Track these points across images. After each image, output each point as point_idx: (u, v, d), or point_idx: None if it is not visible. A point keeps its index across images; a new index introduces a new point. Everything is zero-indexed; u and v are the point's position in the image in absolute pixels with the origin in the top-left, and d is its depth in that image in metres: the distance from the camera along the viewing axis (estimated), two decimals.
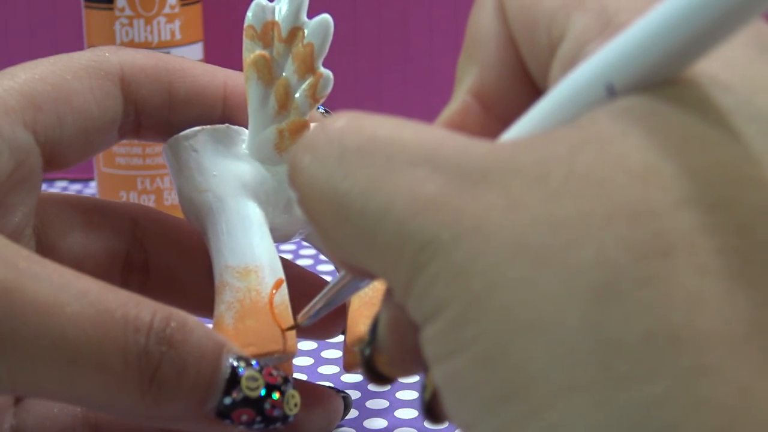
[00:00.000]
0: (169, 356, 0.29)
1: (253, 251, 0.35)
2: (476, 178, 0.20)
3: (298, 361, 0.45)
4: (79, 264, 0.36)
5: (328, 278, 0.44)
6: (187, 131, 0.36)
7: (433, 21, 0.68)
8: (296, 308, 0.35)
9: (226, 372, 0.30)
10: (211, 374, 0.30)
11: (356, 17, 0.68)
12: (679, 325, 0.18)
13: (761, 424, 0.17)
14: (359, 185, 0.21)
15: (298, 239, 0.39)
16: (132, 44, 0.57)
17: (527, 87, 0.25)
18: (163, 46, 0.57)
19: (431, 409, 0.25)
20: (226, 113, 0.37)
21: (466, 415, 0.20)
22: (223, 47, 0.66)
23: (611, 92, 0.20)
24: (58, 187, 0.68)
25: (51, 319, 0.28)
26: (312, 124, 0.37)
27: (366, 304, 0.35)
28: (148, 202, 0.58)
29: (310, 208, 0.23)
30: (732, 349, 0.18)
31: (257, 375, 0.31)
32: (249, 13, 0.36)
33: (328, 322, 0.39)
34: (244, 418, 0.30)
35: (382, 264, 0.21)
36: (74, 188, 0.68)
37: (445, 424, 0.26)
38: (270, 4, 0.36)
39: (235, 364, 0.30)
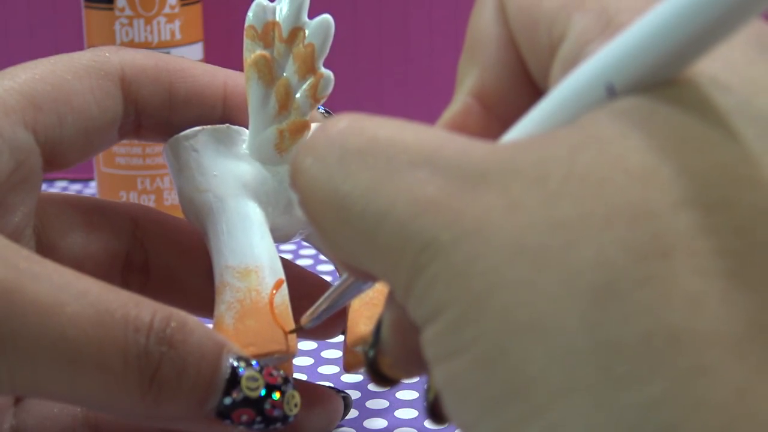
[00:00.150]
0: (169, 356, 0.29)
1: (254, 251, 0.35)
2: (476, 179, 0.20)
3: (298, 361, 0.45)
4: (79, 264, 0.36)
5: (328, 278, 0.44)
6: (188, 131, 0.36)
7: (433, 22, 0.68)
8: (296, 308, 0.35)
9: (226, 372, 0.30)
10: (211, 374, 0.30)
11: (357, 18, 0.68)
12: (678, 326, 0.18)
13: (760, 424, 0.17)
14: (360, 187, 0.21)
15: (298, 239, 0.39)
16: (132, 44, 0.57)
17: (528, 88, 0.25)
18: (163, 46, 0.57)
19: (435, 410, 0.26)
20: (226, 113, 0.37)
21: (466, 416, 0.20)
22: (223, 47, 0.66)
23: (611, 92, 0.20)
24: (58, 187, 0.68)
25: (51, 319, 0.28)
26: (312, 125, 0.37)
27: (366, 304, 0.35)
28: (148, 202, 0.58)
29: (312, 209, 0.23)
30: (730, 350, 0.18)
31: (257, 375, 0.31)
32: (250, 14, 0.36)
33: (328, 322, 0.39)
34: (244, 418, 0.30)
35: (382, 265, 0.21)
36: (74, 188, 0.68)
37: (448, 425, 0.26)
38: (271, 4, 0.36)
39: (235, 364, 0.30)
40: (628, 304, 0.18)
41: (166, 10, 0.57)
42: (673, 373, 0.18)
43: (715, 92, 0.20)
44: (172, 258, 0.39)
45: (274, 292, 0.34)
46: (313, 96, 0.36)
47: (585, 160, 0.20)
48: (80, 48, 0.40)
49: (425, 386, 0.26)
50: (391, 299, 0.25)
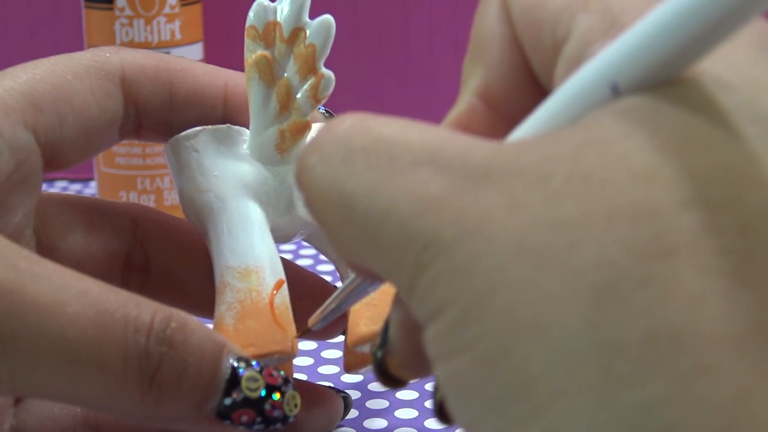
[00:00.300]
0: (170, 357, 0.29)
1: (254, 252, 0.35)
2: (479, 178, 0.20)
3: (298, 361, 0.45)
4: (79, 264, 0.36)
5: (328, 278, 0.44)
6: (189, 131, 0.36)
7: (434, 22, 0.68)
8: (297, 309, 0.35)
9: (227, 373, 0.30)
10: (212, 375, 0.30)
11: (357, 18, 0.68)
12: (680, 326, 0.18)
13: (761, 424, 0.17)
14: (363, 186, 0.21)
15: (298, 240, 0.39)
16: (132, 44, 0.57)
17: (533, 87, 0.25)
18: (163, 46, 0.57)
19: (442, 411, 0.26)
20: (226, 113, 0.37)
21: (468, 414, 0.20)
22: (223, 47, 0.66)
23: (616, 92, 0.20)
24: (58, 187, 0.68)
25: (51, 319, 0.28)
26: (314, 125, 0.37)
27: (367, 305, 0.35)
28: (148, 202, 0.58)
29: (316, 208, 0.23)
30: (732, 350, 0.18)
31: (257, 376, 0.31)
32: (251, 14, 0.36)
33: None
34: (245, 418, 0.30)
35: (386, 264, 0.21)
36: (74, 188, 0.68)
37: (455, 426, 0.26)
38: (272, 4, 0.36)
39: (236, 364, 0.30)
40: (630, 304, 0.18)
41: (166, 10, 0.57)
42: (674, 372, 0.18)
43: (719, 92, 0.20)
44: (172, 258, 0.39)
45: (275, 292, 0.34)
46: (314, 96, 0.36)
47: (588, 160, 0.20)
48: (80, 48, 0.40)
49: (433, 386, 0.26)
50: (398, 299, 0.25)
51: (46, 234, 0.36)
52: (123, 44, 0.57)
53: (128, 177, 0.58)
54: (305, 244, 0.57)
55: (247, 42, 0.36)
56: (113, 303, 0.29)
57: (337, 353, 0.46)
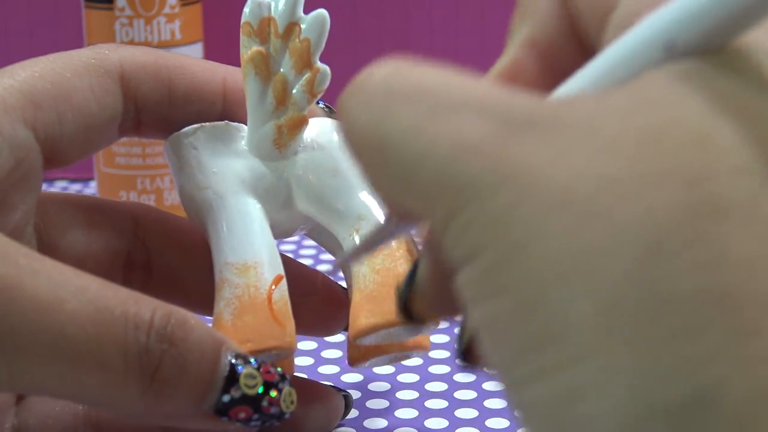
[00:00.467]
0: (171, 354, 0.29)
1: (253, 247, 0.35)
2: (523, 126, 0.20)
3: (297, 361, 0.45)
4: (80, 262, 0.36)
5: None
6: (187, 128, 0.36)
7: (434, 22, 0.68)
8: (297, 305, 0.35)
9: (225, 370, 0.30)
10: (211, 372, 0.30)
11: (357, 17, 0.68)
12: (733, 286, 0.18)
13: None
14: (401, 127, 0.21)
15: (299, 235, 0.39)
16: (132, 44, 0.57)
17: (579, 46, 0.25)
18: (163, 46, 0.57)
19: (467, 353, 0.25)
20: (226, 109, 0.37)
21: (502, 357, 0.20)
22: (223, 47, 0.66)
23: (670, 52, 0.20)
24: (58, 187, 0.68)
25: (50, 316, 0.28)
26: (311, 120, 0.37)
27: (367, 297, 0.35)
28: (148, 201, 0.58)
29: (354, 148, 0.22)
30: None
31: (255, 373, 0.31)
32: (246, 10, 0.36)
33: (329, 319, 0.39)
34: (242, 415, 0.30)
35: (421, 204, 0.21)
36: (74, 188, 0.68)
37: (478, 369, 0.26)
38: (266, 0, 0.36)
39: (234, 361, 0.30)
40: (681, 262, 0.18)
41: (166, 10, 0.57)
42: (725, 330, 0.17)
43: None
44: (173, 256, 0.39)
45: (273, 287, 0.34)
46: (310, 91, 0.36)
47: (641, 119, 0.19)
48: (80, 48, 0.40)
49: (459, 327, 0.26)
50: (429, 241, 0.25)
51: (47, 232, 0.36)
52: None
53: (128, 177, 0.58)
54: (306, 243, 0.57)
55: (243, 38, 0.36)
56: (112, 300, 0.29)
57: (338, 353, 0.46)
